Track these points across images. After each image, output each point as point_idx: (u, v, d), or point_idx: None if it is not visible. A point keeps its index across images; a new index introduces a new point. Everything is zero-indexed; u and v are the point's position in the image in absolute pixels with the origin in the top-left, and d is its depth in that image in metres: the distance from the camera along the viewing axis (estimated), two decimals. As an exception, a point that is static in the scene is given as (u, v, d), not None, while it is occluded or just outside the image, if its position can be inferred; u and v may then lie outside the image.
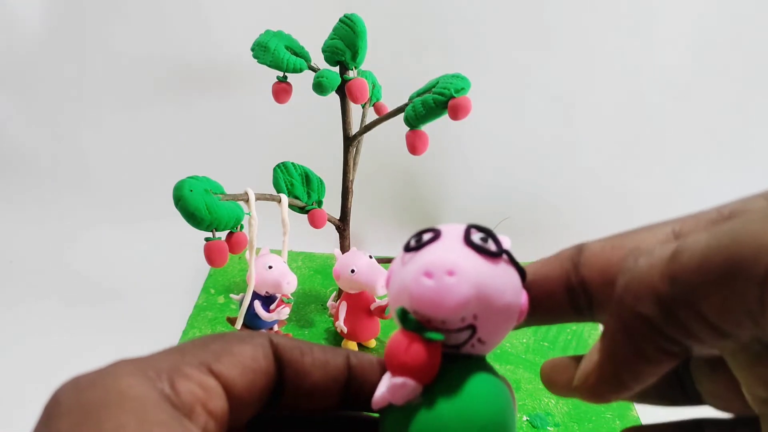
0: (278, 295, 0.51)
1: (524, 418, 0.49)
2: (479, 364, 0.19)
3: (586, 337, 0.57)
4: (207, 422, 0.17)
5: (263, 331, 0.20)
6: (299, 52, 0.51)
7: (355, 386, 0.21)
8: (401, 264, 0.19)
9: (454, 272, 0.17)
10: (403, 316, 0.18)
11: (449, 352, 0.18)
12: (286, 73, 0.50)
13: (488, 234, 0.19)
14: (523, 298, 0.19)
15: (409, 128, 0.47)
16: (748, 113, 0.72)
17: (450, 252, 0.18)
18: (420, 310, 0.18)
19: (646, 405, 0.22)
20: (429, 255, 0.18)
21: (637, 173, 0.73)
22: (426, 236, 0.19)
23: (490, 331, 0.18)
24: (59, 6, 0.76)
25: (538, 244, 0.70)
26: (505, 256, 0.19)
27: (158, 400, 0.16)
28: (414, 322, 0.18)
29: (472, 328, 0.18)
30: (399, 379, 0.18)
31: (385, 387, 0.19)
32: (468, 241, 0.18)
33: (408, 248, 0.19)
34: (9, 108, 0.80)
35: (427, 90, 0.47)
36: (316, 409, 0.21)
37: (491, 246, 0.19)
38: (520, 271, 0.19)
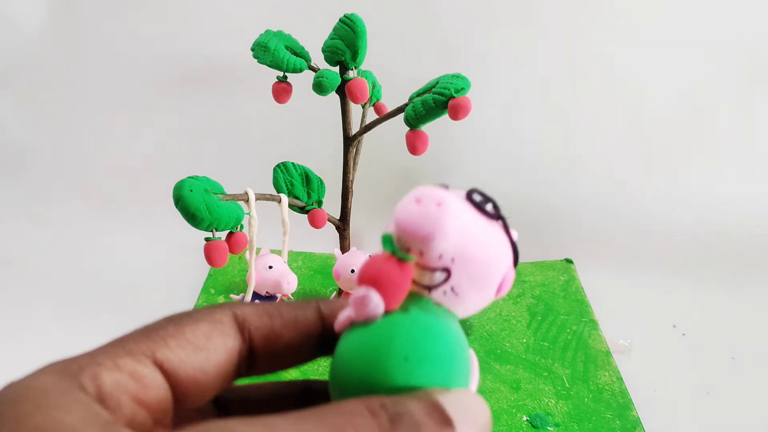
0: (278, 295, 0.51)
1: (524, 418, 0.49)
2: (448, 314, 0.19)
3: (586, 336, 0.57)
4: (136, 412, 0.17)
5: (226, 303, 0.20)
6: (299, 52, 0.51)
7: (330, 332, 0.20)
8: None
9: (442, 204, 0.18)
10: (385, 237, 0.18)
11: (419, 292, 0.18)
12: (286, 73, 0.50)
13: (489, 199, 0.19)
14: (507, 271, 0.19)
15: (409, 128, 0.47)
16: (750, 115, 0.72)
17: (443, 191, 0.18)
18: (400, 233, 0.18)
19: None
20: (422, 188, 0.18)
21: (638, 174, 0.73)
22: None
23: (465, 284, 0.18)
24: (59, 6, 0.75)
25: (538, 245, 0.71)
26: (501, 223, 0.19)
27: (66, 390, 0.15)
28: (391, 243, 0.18)
29: (447, 271, 0.18)
30: (362, 289, 0.18)
31: (345, 310, 0.19)
32: (468, 196, 0.19)
33: None
34: (8, 108, 0.80)
35: (427, 90, 0.47)
36: (293, 366, 0.21)
37: (488, 207, 0.19)
38: (514, 247, 0.19)
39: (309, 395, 0.22)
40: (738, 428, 0.50)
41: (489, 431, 0.17)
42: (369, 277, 0.18)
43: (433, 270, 0.18)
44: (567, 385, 0.52)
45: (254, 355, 0.20)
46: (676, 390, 0.53)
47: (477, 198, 0.19)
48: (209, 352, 0.18)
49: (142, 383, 0.17)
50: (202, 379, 0.18)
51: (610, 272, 0.68)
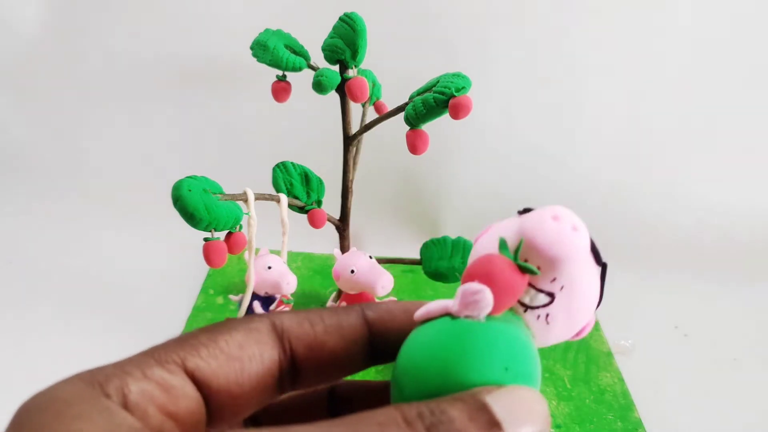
0: (278, 296, 0.51)
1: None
2: (533, 338, 0.18)
3: (587, 338, 0.57)
4: (163, 423, 0.16)
5: (265, 312, 0.19)
6: (299, 51, 0.50)
7: (378, 340, 0.19)
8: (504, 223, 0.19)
9: (578, 229, 0.17)
10: (504, 244, 0.18)
11: (515, 307, 0.18)
12: (285, 72, 0.50)
13: (597, 249, 0.19)
14: (592, 317, 0.19)
15: (409, 127, 0.47)
16: (751, 115, 0.72)
17: (577, 217, 0.18)
18: (531, 246, 0.17)
19: None
20: (557, 207, 0.18)
21: (640, 174, 0.73)
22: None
23: (560, 316, 0.18)
24: (59, 6, 0.75)
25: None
26: (600, 269, 0.19)
27: (89, 398, 0.15)
28: (516, 250, 0.17)
29: (551, 297, 0.18)
30: (477, 285, 0.17)
31: (452, 299, 0.17)
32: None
33: (519, 212, 0.19)
34: (8, 108, 0.80)
35: (427, 89, 0.46)
36: (342, 376, 0.20)
37: (597, 251, 0.18)
38: (601, 295, 0.19)
39: (335, 400, 0.21)
40: (740, 429, 0.49)
41: (548, 430, 0.15)
42: (487, 273, 0.17)
43: (539, 291, 0.18)
44: (568, 386, 0.52)
45: (297, 367, 0.19)
46: (677, 391, 0.53)
47: (591, 239, 0.18)
48: (244, 363, 0.18)
49: (171, 393, 0.16)
50: (237, 392, 0.17)
51: (612, 273, 0.67)
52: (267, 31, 0.51)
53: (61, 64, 0.77)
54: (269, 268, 0.49)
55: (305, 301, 0.61)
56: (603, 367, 0.54)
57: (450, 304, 0.17)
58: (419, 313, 0.18)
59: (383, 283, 0.49)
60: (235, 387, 0.17)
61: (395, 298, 0.51)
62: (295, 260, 0.67)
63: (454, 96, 0.43)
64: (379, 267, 0.50)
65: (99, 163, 0.78)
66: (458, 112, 0.43)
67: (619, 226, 0.71)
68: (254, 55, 0.50)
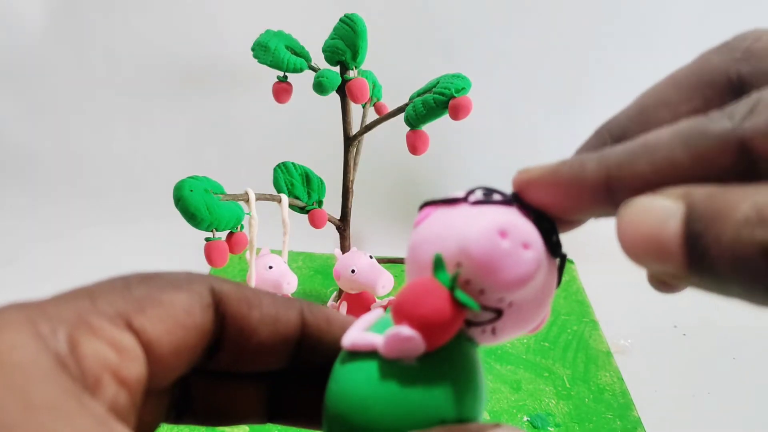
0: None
1: (525, 418, 0.49)
2: (474, 350, 0.17)
3: (586, 337, 0.57)
4: (117, 394, 0.14)
5: (203, 274, 0.17)
6: (299, 52, 0.51)
7: (307, 345, 0.18)
8: (453, 209, 0.16)
9: (530, 246, 0.15)
10: (442, 264, 0.15)
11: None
12: (286, 73, 0.50)
13: (554, 228, 0.17)
14: (547, 313, 0.17)
15: (409, 128, 0.47)
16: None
17: (525, 221, 0.16)
18: (475, 267, 0.15)
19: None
20: (504, 215, 0.16)
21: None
22: (497, 196, 0.16)
23: (509, 326, 0.16)
24: (60, 6, 0.75)
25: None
26: (558, 262, 0.17)
27: (50, 369, 0.12)
28: (451, 278, 0.15)
29: (499, 313, 0.16)
30: (408, 331, 0.15)
31: (371, 329, 0.16)
32: (540, 226, 0.16)
33: (468, 199, 0.16)
34: (9, 108, 0.80)
35: (427, 90, 0.47)
36: (258, 369, 0.18)
37: (555, 239, 0.16)
38: (558, 281, 0.17)
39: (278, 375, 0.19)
40: (739, 428, 0.50)
41: None
42: (418, 317, 0.15)
43: (484, 308, 0.16)
44: (568, 385, 0.52)
45: (221, 345, 0.17)
46: (677, 390, 0.53)
47: (546, 226, 0.16)
48: (186, 331, 0.15)
49: (123, 355, 0.14)
50: (173, 362, 0.15)
51: (611, 272, 0.67)
52: (268, 32, 0.51)
53: (62, 64, 0.78)
54: (270, 267, 0.50)
55: (306, 300, 0.61)
56: (602, 366, 0.54)
57: (378, 342, 0.16)
58: (347, 341, 0.16)
59: (383, 283, 0.49)
60: (173, 357, 0.15)
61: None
62: (296, 260, 0.67)
63: (454, 97, 0.44)
64: (380, 267, 0.50)
65: (100, 164, 0.79)
66: (458, 112, 0.44)
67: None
68: (255, 56, 0.50)
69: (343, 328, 0.17)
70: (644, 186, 0.14)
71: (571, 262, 0.68)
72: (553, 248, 0.16)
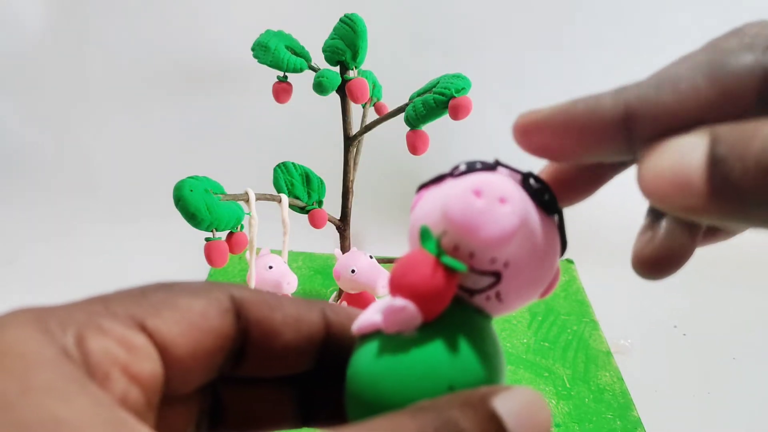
0: (278, 296, 0.51)
1: (525, 418, 0.48)
2: (486, 322, 0.17)
3: (586, 337, 0.57)
4: (128, 389, 0.14)
5: (225, 283, 0.17)
6: (299, 52, 0.51)
7: (332, 345, 0.18)
8: (439, 187, 0.16)
9: (506, 201, 0.15)
10: (427, 233, 0.15)
11: (460, 295, 0.16)
12: (286, 73, 0.50)
13: (547, 187, 0.16)
14: (556, 273, 0.17)
15: (409, 128, 0.47)
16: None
17: (507, 184, 0.15)
18: (455, 230, 0.15)
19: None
20: (481, 176, 0.15)
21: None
22: (479, 165, 0.17)
23: (513, 290, 0.16)
24: (60, 6, 0.75)
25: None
26: (556, 218, 0.17)
27: (53, 358, 0.12)
28: (436, 244, 0.15)
29: (497, 276, 0.16)
30: (401, 301, 0.15)
31: (376, 310, 0.16)
32: (526, 185, 0.16)
33: (453, 173, 0.16)
34: (9, 107, 0.80)
35: (427, 90, 0.47)
36: (285, 372, 0.18)
37: (546, 198, 0.16)
38: (563, 241, 0.17)
39: (308, 381, 0.19)
40: (739, 429, 0.50)
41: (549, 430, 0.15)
42: (407, 286, 0.15)
43: (481, 273, 0.16)
44: (568, 385, 0.52)
45: (245, 351, 0.17)
46: (677, 390, 0.53)
47: (534, 185, 0.16)
48: (204, 335, 0.16)
49: (134, 353, 0.14)
50: (192, 365, 0.16)
51: (611, 272, 0.67)
52: (268, 32, 0.51)
53: (62, 64, 0.78)
54: (270, 267, 0.50)
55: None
56: (602, 366, 0.54)
57: (378, 320, 0.16)
58: (355, 327, 0.16)
59: (383, 283, 0.49)
60: (191, 360, 0.15)
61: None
62: (296, 260, 0.67)
63: (454, 97, 0.44)
64: (380, 267, 0.50)
65: (100, 163, 0.79)
66: (458, 112, 0.44)
67: (619, 225, 0.71)
68: (255, 56, 0.50)
69: None
70: (667, 119, 0.14)
71: (571, 261, 0.68)
72: (547, 206, 0.16)
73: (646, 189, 0.14)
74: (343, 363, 0.17)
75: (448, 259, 0.15)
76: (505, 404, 0.14)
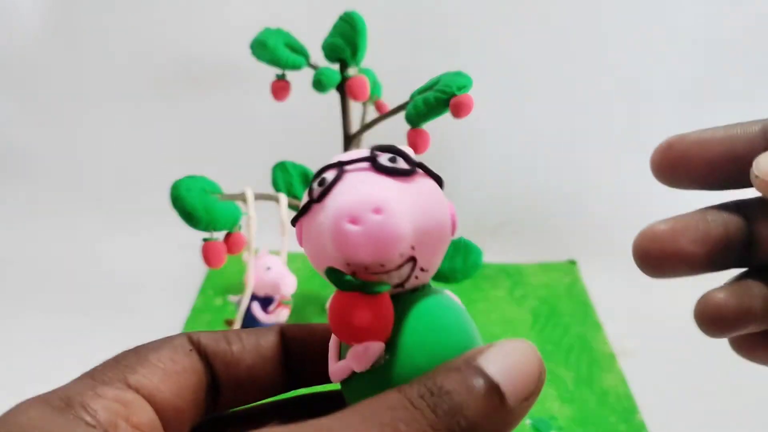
0: (277, 297, 0.51)
1: (528, 422, 0.48)
2: (425, 293, 0.17)
3: (590, 339, 0.57)
4: None
5: (180, 333, 0.19)
6: (298, 50, 0.50)
7: (295, 360, 0.19)
8: (312, 217, 0.17)
9: (381, 208, 0.15)
10: (335, 276, 0.16)
11: (394, 292, 0.17)
12: (285, 71, 0.50)
13: (395, 152, 0.17)
14: (449, 208, 0.17)
15: (410, 126, 0.47)
16: (752, 115, 0.72)
17: (366, 186, 0.16)
18: (353, 260, 0.16)
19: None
20: (344, 197, 0.16)
21: (643, 174, 0.73)
22: (328, 175, 0.16)
23: (430, 257, 0.17)
24: (57, 5, 0.75)
25: (541, 246, 0.70)
26: (419, 170, 0.17)
27: (65, 424, 0.15)
28: (351, 282, 0.16)
29: (413, 259, 0.16)
30: (360, 347, 0.16)
31: (344, 358, 0.17)
32: (378, 167, 0.16)
33: (313, 197, 0.17)
34: (7, 107, 0.79)
35: (428, 88, 0.46)
36: (261, 397, 0.20)
37: (402, 165, 0.17)
38: (437, 179, 0.18)
39: (303, 407, 0.21)
40: (744, 432, 0.49)
41: (543, 379, 0.15)
42: (356, 331, 0.16)
43: (399, 267, 0.16)
44: (571, 388, 0.51)
45: (217, 384, 0.19)
46: (682, 394, 0.52)
47: (386, 163, 0.16)
48: (180, 376, 0.18)
49: (130, 407, 0.16)
50: (180, 404, 0.18)
51: (615, 274, 0.66)
52: (266, 29, 0.50)
53: (59, 64, 0.77)
54: (268, 269, 0.49)
55: (304, 302, 0.61)
56: (606, 368, 0.53)
57: (351, 365, 0.16)
58: (333, 377, 0.17)
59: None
60: (178, 399, 0.18)
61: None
62: (295, 261, 0.66)
63: (456, 95, 0.43)
64: (380, 268, 0.50)
65: (97, 163, 0.78)
66: (459, 111, 0.43)
67: (622, 226, 0.71)
68: (254, 53, 0.50)
69: (326, 337, 0.19)
70: None
71: (574, 263, 0.68)
72: (406, 172, 0.16)
73: (765, 172, 0.16)
74: (311, 375, 0.19)
75: (368, 286, 0.16)
76: (490, 361, 0.14)
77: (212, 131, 0.77)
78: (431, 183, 0.17)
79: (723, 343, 0.62)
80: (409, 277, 0.17)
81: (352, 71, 0.48)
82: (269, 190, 0.49)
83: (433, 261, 0.17)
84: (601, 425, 0.48)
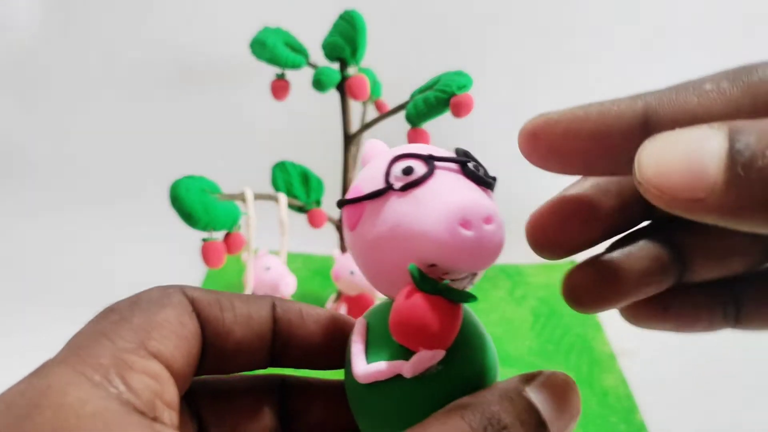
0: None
1: (528, 422, 0.48)
2: (466, 309, 0.17)
3: (590, 339, 0.56)
4: (171, 417, 0.15)
5: (173, 285, 0.18)
6: (298, 49, 0.50)
7: (280, 340, 0.18)
8: (389, 204, 0.16)
9: (492, 219, 0.15)
10: (423, 276, 0.15)
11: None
12: (284, 70, 0.50)
13: (476, 161, 0.17)
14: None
15: (410, 126, 0.47)
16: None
17: (468, 191, 0.15)
18: (452, 265, 0.15)
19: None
20: (451, 197, 0.15)
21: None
22: (416, 166, 0.16)
23: (481, 273, 0.17)
24: (58, 6, 0.75)
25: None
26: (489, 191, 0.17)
27: (120, 411, 0.13)
28: (442, 287, 0.15)
29: (474, 273, 0.16)
30: (428, 353, 0.15)
31: (375, 361, 0.16)
32: (468, 172, 0.16)
33: (392, 184, 0.16)
34: (7, 107, 0.79)
35: (428, 87, 0.46)
36: (242, 369, 0.19)
37: (482, 174, 0.16)
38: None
39: (285, 390, 0.20)
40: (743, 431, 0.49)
41: (579, 411, 0.16)
42: (429, 336, 0.15)
43: (464, 279, 0.16)
44: (571, 388, 0.51)
45: (204, 350, 0.18)
46: (681, 393, 0.52)
47: (473, 169, 0.16)
48: (188, 342, 0.16)
49: (160, 381, 0.15)
50: (189, 375, 0.17)
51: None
52: (266, 29, 0.50)
53: (59, 63, 0.77)
54: (268, 268, 0.49)
55: (304, 302, 0.60)
56: (606, 369, 0.53)
57: (400, 368, 0.16)
58: (362, 377, 0.16)
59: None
60: (188, 369, 0.16)
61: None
62: (295, 261, 0.66)
63: (456, 94, 0.43)
64: (380, 268, 0.50)
65: (96, 162, 0.78)
66: (460, 110, 0.43)
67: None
68: (253, 53, 0.50)
69: (318, 322, 0.18)
70: (688, 121, 0.13)
71: (574, 263, 0.68)
72: (487, 183, 0.16)
73: (649, 179, 0.13)
74: (294, 357, 0.18)
75: (456, 295, 0.15)
76: (537, 392, 0.15)
77: (212, 131, 0.77)
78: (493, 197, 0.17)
79: (722, 343, 0.62)
80: (465, 283, 0.16)
81: (351, 70, 0.48)
82: (269, 189, 0.49)
83: (482, 272, 0.17)
84: (602, 425, 0.48)
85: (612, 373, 0.53)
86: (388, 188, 0.16)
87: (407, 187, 0.15)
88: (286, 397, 0.20)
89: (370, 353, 0.17)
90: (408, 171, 0.16)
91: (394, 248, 0.15)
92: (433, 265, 0.15)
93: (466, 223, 0.14)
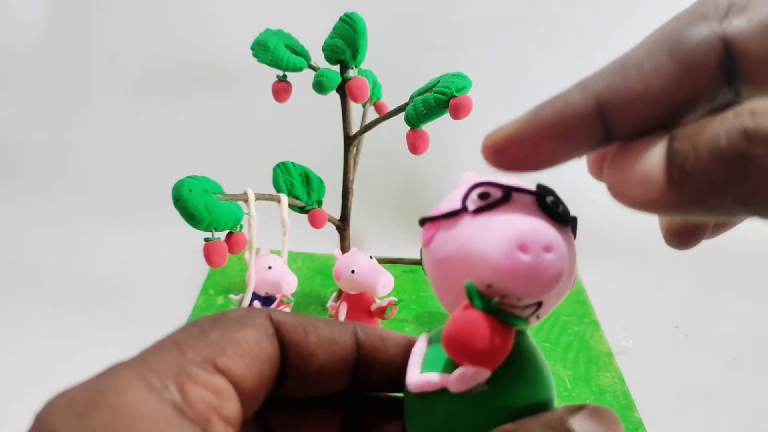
0: (278, 296, 0.51)
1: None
2: (525, 336, 0.17)
3: (587, 337, 0.57)
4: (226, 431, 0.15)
5: (260, 307, 0.18)
6: (299, 51, 0.50)
7: (363, 365, 0.19)
8: (460, 225, 0.16)
9: (552, 248, 0.15)
10: (479, 294, 0.16)
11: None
12: (285, 72, 0.50)
13: (557, 197, 0.17)
14: (576, 274, 0.17)
15: (410, 127, 0.47)
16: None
17: (536, 221, 0.16)
18: (506, 287, 0.15)
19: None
20: (515, 222, 0.15)
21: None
22: (493, 192, 0.16)
23: (551, 307, 0.17)
24: (59, 6, 0.75)
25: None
26: (570, 228, 0.17)
27: (173, 417, 0.14)
28: (496, 308, 0.15)
29: (539, 304, 0.16)
30: (471, 369, 0.15)
31: (429, 371, 0.17)
32: (543, 206, 0.16)
33: (467, 206, 0.16)
34: (8, 107, 0.80)
35: (428, 89, 0.46)
36: (322, 393, 0.19)
37: (561, 211, 0.16)
38: (574, 236, 0.18)
39: (352, 404, 0.20)
40: (740, 430, 0.49)
41: None
42: (480, 352, 0.15)
43: (526, 307, 0.16)
44: (568, 386, 0.52)
45: (284, 373, 0.18)
46: (678, 391, 0.52)
47: (551, 203, 0.16)
48: (264, 364, 0.17)
49: (221, 397, 0.15)
50: (258, 396, 0.17)
51: (612, 273, 0.67)
52: (267, 31, 0.51)
53: (61, 64, 0.77)
54: (270, 268, 0.49)
55: (305, 301, 0.61)
56: (603, 367, 0.54)
57: (447, 381, 0.16)
58: (412, 385, 0.17)
59: (384, 283, 0.49)
60: (257, 390, 0.17)
61: (395, 299, 0.51)
62: (296, 260, 0.67)
63: (455, 96, 0.43)
64: (380, 267, 0.50)
65: (99, 163, 0.78)
66: (459, 112, 0.43)
67: (620, 226, 0.71)
68: (255, 55, 0.50)
69: (397, 345, 0.19)
70: (639, 104, 0.14)
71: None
72: (562, 219, 0.16)
73: (615, 191, 0.15)
74: (376, 381, 0.18)
75: (509, 318, 0.15)
76: (581, 425, 0.15)
77: (214, 132, 0.77)
78: (573, 242, 0.17)
79: (721, 342, 0.62)
80: (527, 318, 0.16)
81: (352, 73, 0.48)
82: (270, 190, 0.50)
83: (548, 310, 0.17)
84: (599, 423, 0.48)
85: (609, 371, 0.53)
86: (463, 210, 0.16)
87: (480, 210, 0.16)
88: (354, 411, 0.20)
89: (425, 365, 0.17)
90: (484, 196, 0.16)
91: (458, 267, 0.16)
92: (489, 286, 0.15)
93: (524, 247, 0.15)
